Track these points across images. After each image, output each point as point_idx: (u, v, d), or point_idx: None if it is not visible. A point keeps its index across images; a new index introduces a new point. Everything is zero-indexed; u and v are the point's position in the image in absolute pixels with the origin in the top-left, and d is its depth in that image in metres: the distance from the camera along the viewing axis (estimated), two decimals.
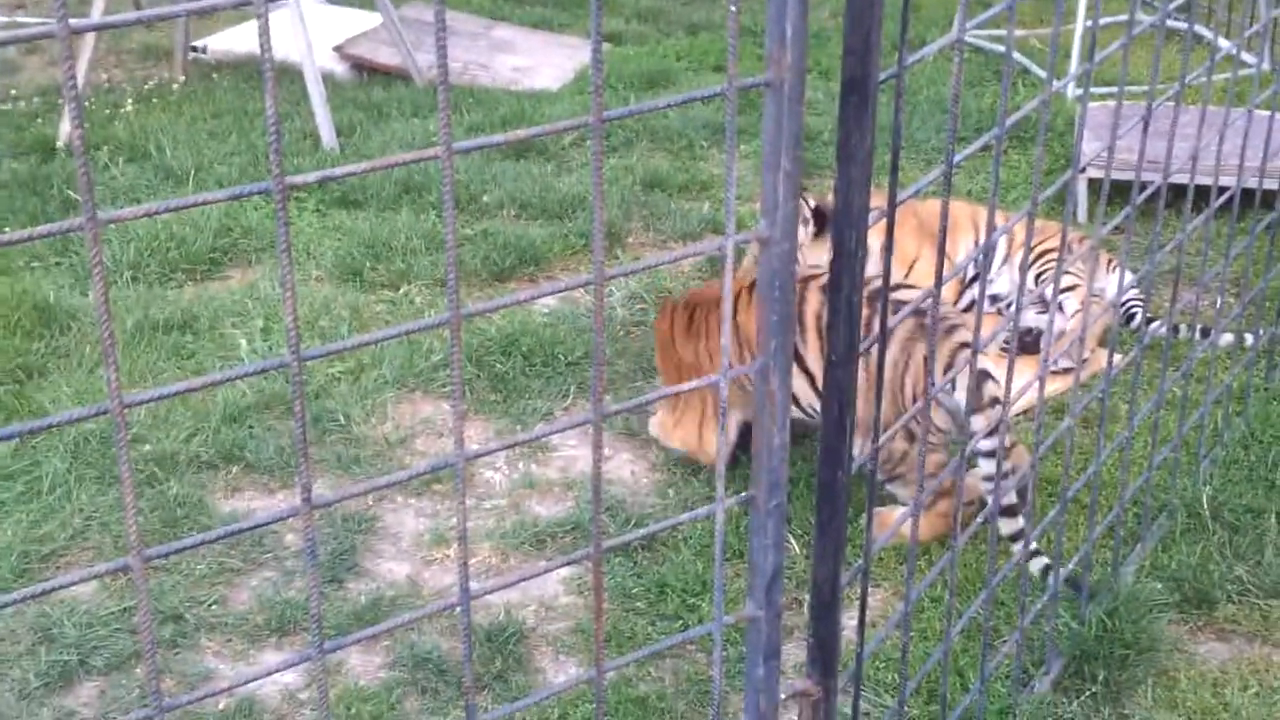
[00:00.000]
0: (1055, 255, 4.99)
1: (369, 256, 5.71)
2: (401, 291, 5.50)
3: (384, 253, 5.74)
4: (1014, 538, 3.82)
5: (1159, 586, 3.83)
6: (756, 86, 1.95)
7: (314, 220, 6.13)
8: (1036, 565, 3.83)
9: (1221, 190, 4.08)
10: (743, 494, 2.15)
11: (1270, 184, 4.48)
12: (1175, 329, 4.78)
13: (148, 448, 4.44)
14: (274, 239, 5.82)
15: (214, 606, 3.84)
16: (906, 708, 2.88)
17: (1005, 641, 3.47)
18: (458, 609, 1.88)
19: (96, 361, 4.96)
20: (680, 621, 3.74)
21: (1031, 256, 5.09)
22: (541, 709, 3.42)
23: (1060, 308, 5.09)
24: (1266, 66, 6.37)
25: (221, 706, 3.49)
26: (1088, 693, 3.50)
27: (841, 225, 2.14)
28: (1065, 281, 5.10)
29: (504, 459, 4.47)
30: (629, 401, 1.98)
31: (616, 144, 6.91)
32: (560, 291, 1.98)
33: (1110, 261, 5.37)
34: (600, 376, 1.84)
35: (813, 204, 5.09)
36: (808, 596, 2.43)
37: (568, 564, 2.31)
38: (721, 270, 2.06)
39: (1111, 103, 6.41)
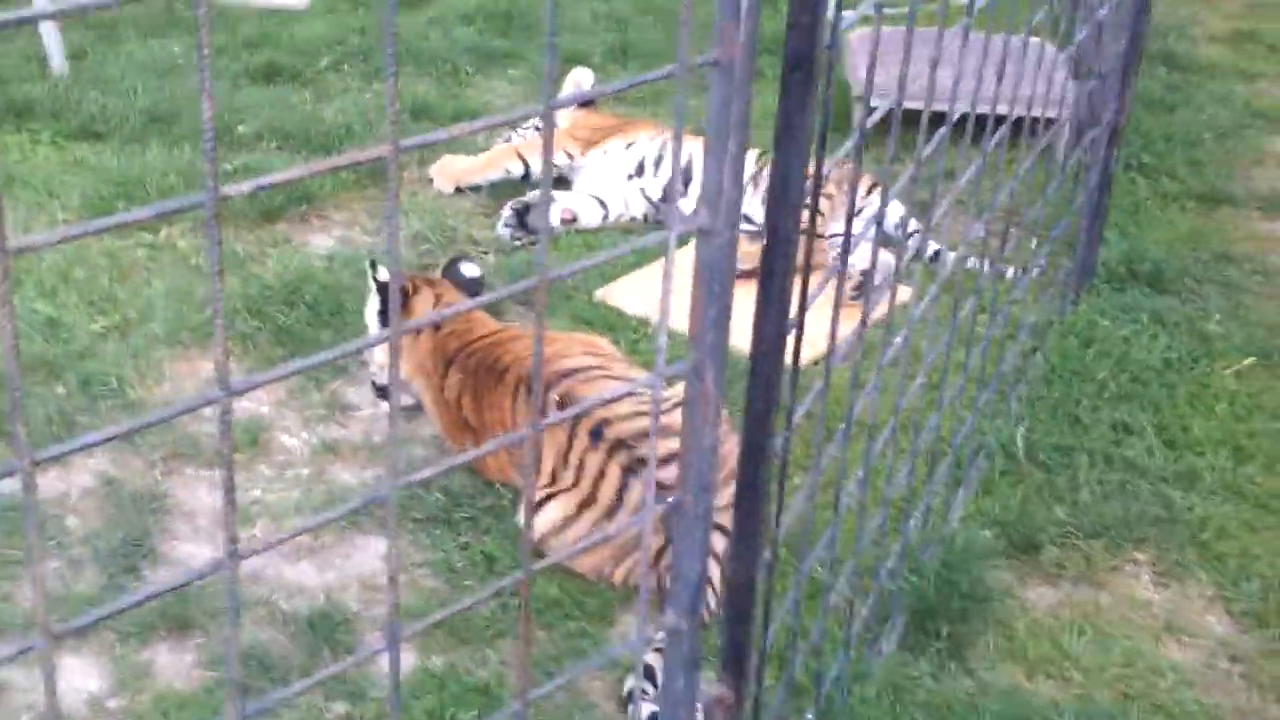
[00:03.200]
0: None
1: (121, 196, 5.24)
2: (162, 235, 5.06)
3: (137, 191, 5.27)
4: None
5: (986, 534, 3.82)
6: (705, 66, 1.75)
7: (52, 154, 5.61)
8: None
9: (999, 120, 4.00)
10: (672, 499, 1.98)
11: (1048, 112, 4.42)
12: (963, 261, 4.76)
13: None
14: (7, 176, 5.28)
15: None
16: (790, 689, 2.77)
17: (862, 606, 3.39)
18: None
19: None
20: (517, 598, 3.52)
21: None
22: (380, 703, 3.19)
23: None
24: None
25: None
26: (933, 649, 3.46)
27: (777, 211, 1.96)
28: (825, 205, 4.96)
29: (301, 422, 4.16)
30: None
31: (377, 67, 6.54)
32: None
33: (874, 186, 5.21)
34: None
35: None
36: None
37: (496, 593, 2.11)
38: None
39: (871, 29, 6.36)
